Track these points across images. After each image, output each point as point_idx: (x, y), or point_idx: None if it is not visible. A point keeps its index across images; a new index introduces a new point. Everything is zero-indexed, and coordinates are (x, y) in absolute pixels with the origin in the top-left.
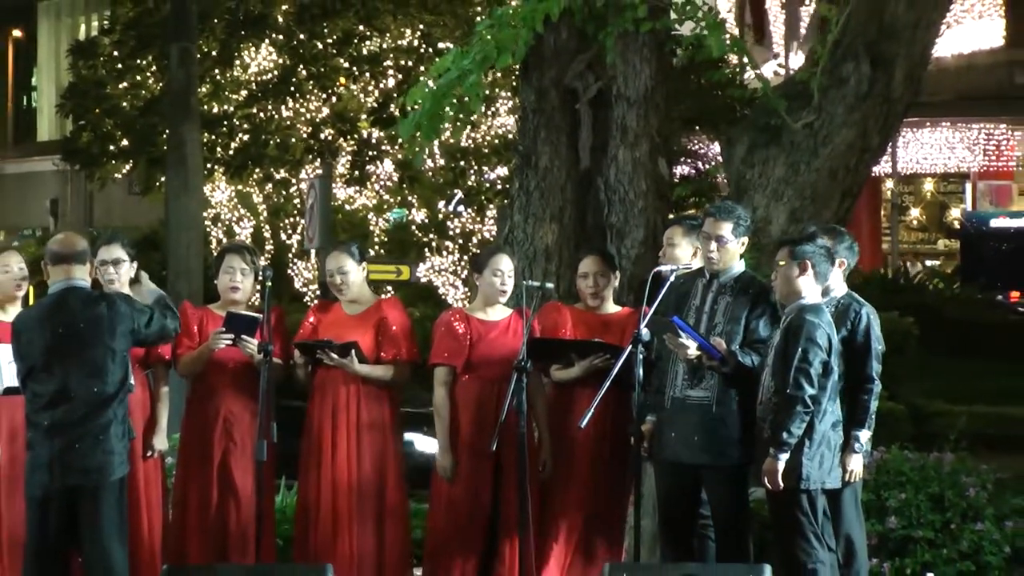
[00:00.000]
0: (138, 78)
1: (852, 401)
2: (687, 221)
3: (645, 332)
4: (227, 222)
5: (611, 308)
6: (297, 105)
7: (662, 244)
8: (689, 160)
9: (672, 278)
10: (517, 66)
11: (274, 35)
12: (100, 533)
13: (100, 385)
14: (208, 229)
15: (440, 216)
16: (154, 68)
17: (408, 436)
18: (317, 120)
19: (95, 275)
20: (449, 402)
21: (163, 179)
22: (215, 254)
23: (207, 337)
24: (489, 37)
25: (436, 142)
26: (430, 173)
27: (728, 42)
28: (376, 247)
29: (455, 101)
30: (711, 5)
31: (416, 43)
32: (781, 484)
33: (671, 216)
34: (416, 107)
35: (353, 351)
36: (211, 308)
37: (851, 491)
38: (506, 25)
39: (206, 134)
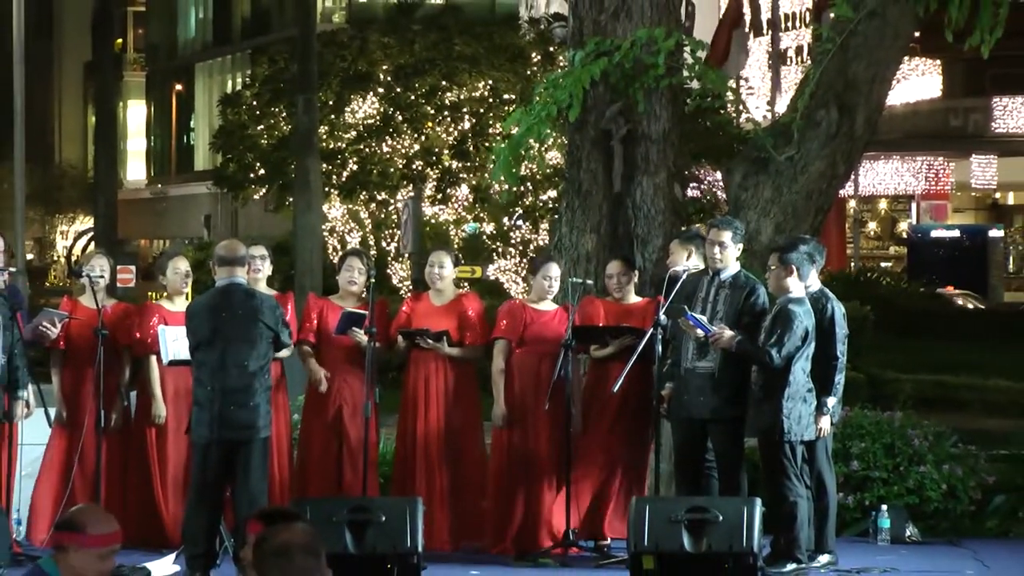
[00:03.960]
0: (272, 122)
1: (821, 374)
2: (681, 235)
3: (663, 318)
4: (340, 233)
5: (632, 299)
6: (394, 142)
7: None
8: (697, 185)
9: (684, 276)
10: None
11: (377, 88)
12: (248, 476)
13: (248, 360)
14: (326, 239)
15: (505, 228)
16: (284, 114)
17: None
18: (410, 154)
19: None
20: (504, 368)
21: (291, 200)
22: (338, 256)
23: (326, 322)
24: (549, 99)
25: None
26: (495, 194)
27: (731, 95)
28: (456, 252)
29: (526, 149)
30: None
31: (486, 94)
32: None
33: (683, 228)
34: (497, 159)
35: (445, 338)
36: (330, 299)
37: (823, 443)
38: (559, 87)
39: (324, 165)
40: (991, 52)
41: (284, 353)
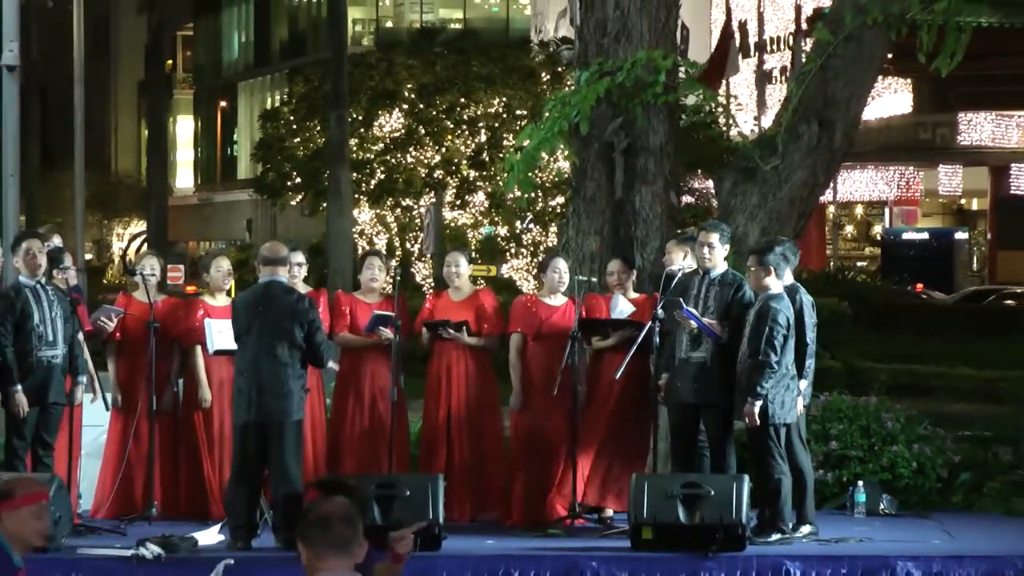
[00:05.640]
0: (307, 135)
1: (796, 360)
2: (677, 236)
3: (660, 312)
4: (369, 236)
5: (631, 295)
6: (418, 154)
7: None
8: (691, 192)
9: (679, 275)
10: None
11: (402, 105)
12: (282, 455)
13: (282, 351)
14: (356, 240)
15: (518, 231)
16: (318, 128)
17: None
18: (431, 164)
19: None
20: (520, 360)
21: (324, 205)
22: (360, 257)
23: (356, 315)
24: (558, 115)
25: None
26: (510, 201)
27: (721, 110)
28: (474, 252)
29: (538, 161)
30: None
31: (500, 110)
32: (758, 421)
33: (679, 231)
34: (511, 169)
35: (465, 328)
36: (356, 295)
37: (795, 427)
38: (568, 104)
39: (354, 174)
40: (956, 73)
41: (330, 364)
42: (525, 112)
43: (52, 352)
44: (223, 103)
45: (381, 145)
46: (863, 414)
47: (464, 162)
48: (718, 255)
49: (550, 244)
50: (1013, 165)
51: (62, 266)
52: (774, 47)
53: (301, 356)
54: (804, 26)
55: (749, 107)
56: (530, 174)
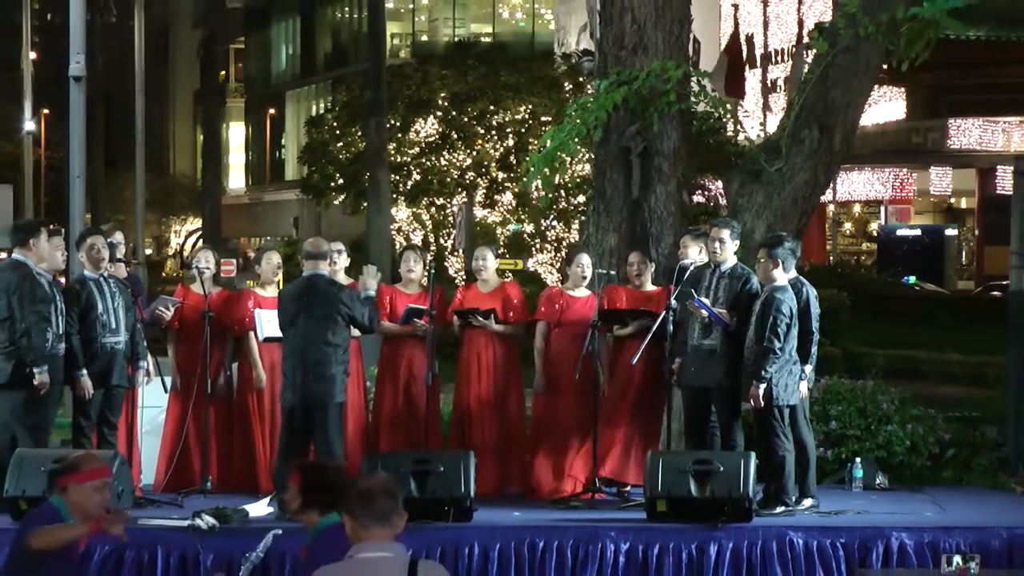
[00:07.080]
0: (349, 140)
1: (800, 347)
2: (692, 232)
3: (674, 302)
4: (405, 232)
5: (649, 287)
6: (451, 157)
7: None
8: (702, 192)
9: (691, 268)
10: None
11: (436, 112)
12: (326, 434)
13: (324, 338)
14: (394, 237)
15: (542, 228)
16: (359, 133)
17: None
18: (463, 166)
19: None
20: (544, 345)
21: (365, 205)
22: (398, 252)
23: (396, 305)
24: (578, 120)
25: (538, 179)
26: (535, 200)
27: (730, 117)
28: (502, 248)
29: (558, 162)
30: (718, 91)
31: (527, 117)
32: (762, 403)
33: (690, 228)
34: (532, 168)
35: (492, 315)
36: (396, 287)
37: (800, 407)
38: (587, 110)
39: (392, 176)
40: (947, 82)
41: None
42: (549, 118)
43: (115, 339)
44: (272, 110)
45: (417, 149)
46: (860, 396)
47: (493, 164)
48: (728, 250)
49: (572, 240)
50: (999, 167)
51: (116, 259)
52: (778, 58)
53: (343, 343)
54: (806, 39)
55: (755, 114)
56: (550, 174)
